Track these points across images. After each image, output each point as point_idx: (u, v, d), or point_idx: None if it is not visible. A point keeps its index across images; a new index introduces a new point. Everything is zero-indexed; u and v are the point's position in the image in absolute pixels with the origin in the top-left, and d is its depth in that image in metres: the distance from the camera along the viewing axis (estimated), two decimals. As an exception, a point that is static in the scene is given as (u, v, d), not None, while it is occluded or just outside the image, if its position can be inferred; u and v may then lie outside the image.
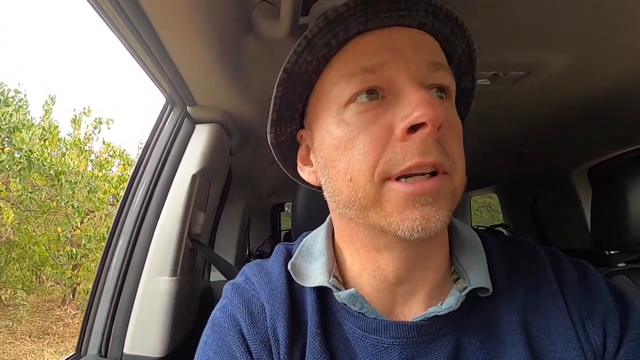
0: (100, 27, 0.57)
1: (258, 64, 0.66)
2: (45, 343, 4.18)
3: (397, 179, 0.33)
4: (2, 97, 4.03)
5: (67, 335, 4.36)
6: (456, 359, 0.36)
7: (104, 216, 4.63)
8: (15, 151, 3.87)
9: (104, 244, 0.86)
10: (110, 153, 4.96)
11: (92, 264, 4.49)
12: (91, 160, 4.77)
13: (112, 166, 4.96)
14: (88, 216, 4.60)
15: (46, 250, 4.36)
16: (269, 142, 0.43)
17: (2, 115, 3.80)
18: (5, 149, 3.83)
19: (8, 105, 4.00)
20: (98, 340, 0.74)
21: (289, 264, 0.42)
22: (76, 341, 0.79)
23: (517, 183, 1.92)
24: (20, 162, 3.83)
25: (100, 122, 4.87)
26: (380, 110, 0.34)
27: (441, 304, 0.37)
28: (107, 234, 0.98)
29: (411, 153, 0.32)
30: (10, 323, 4.27)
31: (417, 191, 0.32)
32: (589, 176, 1.47)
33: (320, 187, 0.43)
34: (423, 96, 0.32)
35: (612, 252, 0.98)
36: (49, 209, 4.28)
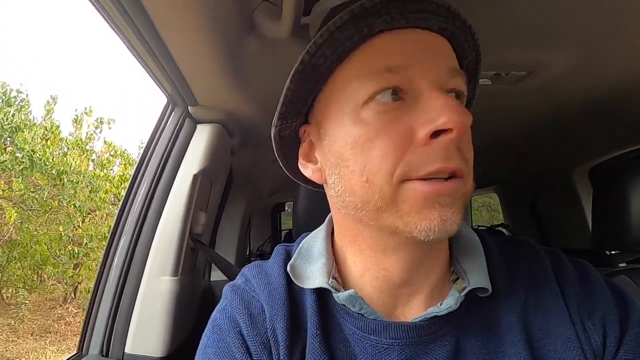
0: (102, 26, 0.57)
1: (259, 64, 0.66)
2: (48, 341, 4.20)
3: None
4: (4, 97, 4.04)
5: (69, 334, 4.38)
6: (456, 359, 0.36)
7: (105, 215, 4.64)
8: (18, 151, 3.88)
9: (105, 243, 0.86)
10: (112, 153, 4.97)
11: (94, 263, 4.51)
12: (93, 160, 4.78)
13: (113, 166, 4.98)
14: (90, 215, 4.61)
15: (48, 249, 4.38)
16: (272, 136, 0.42)
17: (5, 115, 3.81)
18: (8, 149, 3.85)
19: (10, 105, 4.02)
20: (99, 339, 0.74)
21: (288, 265, 0.42)
22: (78, 339, 0.79)
23: (517, 183, 1.92)
24: (23, 162, 3.85)
25: (102, 122, 4.89)
26: (400, 112, 0.33)
27: (440, 304, 0.37)
28: (108, 233, 0.99)
29: (433, 158, 0.31)
30: (13, 321, 4.29)
31: (437, 191, 0.32)
32: (590, 176, 1.47)
33: (320, 186, 0.43)
34: (447, 102, 0.31)
35: (613, 252, 0.98)
36: (51, 208, 4.30)
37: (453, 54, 0.37)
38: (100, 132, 4.92)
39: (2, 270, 4.36)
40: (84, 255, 4.40)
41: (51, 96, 4.48)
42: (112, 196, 4.65)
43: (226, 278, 0.95)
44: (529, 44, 0.64)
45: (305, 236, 0.48)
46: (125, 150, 5.10)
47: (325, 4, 0.49)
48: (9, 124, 3.81)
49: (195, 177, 0.81)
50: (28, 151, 3.83)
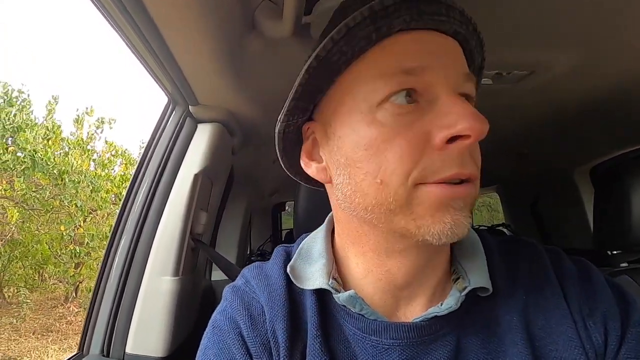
0: (103, 26, 0.57)
1: (261, 63, 0.66)
2: (49, 340, 4.21)
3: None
4: (6, 97, 4.05)
5: (70, 333, 4.39)
6: (457, 359, 0.36)
7: (106, 215, 4.66)
8: (19, 151, 3.89)
9: (106, 243, 0.86)
10: (113, 152, 4.98)
11: (95, 262, 4.52)
12: (94, 160, 4.80)
13: (114, 165, 4.99)
14: (91, 215, 4.63)
15: (49, 248, 4.39)
16: (276, 132, 0.40)
17: (6, 116, 3.83)
18: (10, 149, 3.86)
19: (12, 105, 4.03)
20: (100, 339, 0.74)
21: (288, 266, 0.42)
22: (79, 338, 0.80)
23: (518, 183, 1.91)
24: (24, 162, 3.86)
25: (103, 122, 4.90)
26: (416, 115, 0.33)
27: (441, 304, 0.37)
28: (109, 232, 0.99)
29: (450, 164, 0.31)
30: (15, 320, 4.30)
31: (452, 195, 0.32)
32: (592, 176, 1.47)
33: (321, 185, 0.43)
34: (465, 107, 0.31)
35: (615, 252, 0.97)
36: (52, 207, 4.31)
37: (464, 59, 0.37)
38: (101, 132, 4.94)
39: (4, 270, 4.38)
40: (85, 255, 4.41)
41: (52, 96, 4.51)
42: (113, 195, 4.66)
43: (227, 278, 0.95)
44: (530, 44, 0.64)
45: (305, 237, 0.48)
46: (126, 150, 5.12)
47: (326, 3, 0.49)
48: (10, 124, 3.82)
49: (196, 176, 0.81)
50: (30, 151, 3.85)
